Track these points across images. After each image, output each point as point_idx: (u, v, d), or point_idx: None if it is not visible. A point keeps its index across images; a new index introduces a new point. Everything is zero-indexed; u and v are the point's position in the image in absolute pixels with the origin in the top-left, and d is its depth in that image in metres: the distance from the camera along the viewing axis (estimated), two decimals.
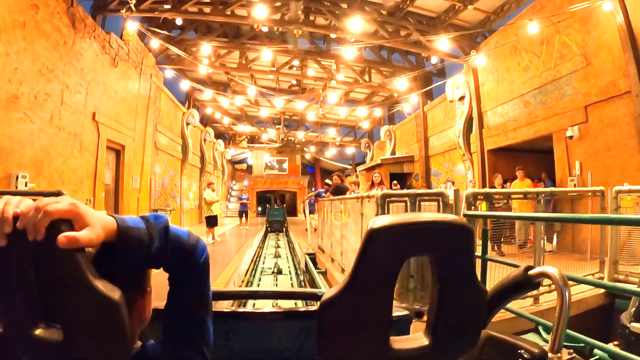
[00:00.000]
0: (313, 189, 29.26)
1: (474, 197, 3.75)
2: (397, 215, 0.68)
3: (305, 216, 14.67)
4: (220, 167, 22.45)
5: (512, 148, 10.66)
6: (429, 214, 0.80)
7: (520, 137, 9.85)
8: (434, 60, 12.85)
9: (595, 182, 7.46)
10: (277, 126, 24.01)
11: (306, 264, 8.78)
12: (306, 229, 14.91)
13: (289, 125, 25.71)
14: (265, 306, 1.61)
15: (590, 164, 7.89)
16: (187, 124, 15.36)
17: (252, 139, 29.66)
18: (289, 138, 25.88)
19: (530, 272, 0.79)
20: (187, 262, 0.76)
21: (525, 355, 0.85)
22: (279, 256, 12.11)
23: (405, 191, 4.10)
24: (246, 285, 8.29)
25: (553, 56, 8.83)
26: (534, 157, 10.70)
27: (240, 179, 32.14)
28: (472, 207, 3.74)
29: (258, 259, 11.83)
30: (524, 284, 0.80)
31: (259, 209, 30.40)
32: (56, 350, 0.62)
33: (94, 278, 0.60)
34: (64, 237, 0.57)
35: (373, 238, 0.64)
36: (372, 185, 8.13)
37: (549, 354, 0.81)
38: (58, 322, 0.63)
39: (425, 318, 0.74)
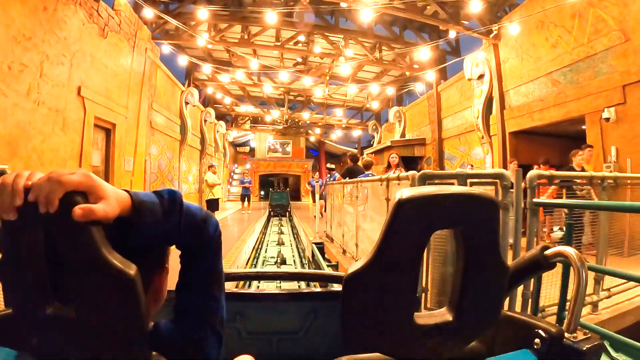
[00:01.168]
0: (317, 173, 28.57)
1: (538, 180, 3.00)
2: (424, 187, 0.65)
3: (314, 200, 13.99)
4: (221, 149, 21.62)
5: (535, 131, 9.86)
6: (456, 186, 0.83)
7: (547, 118, 9.01)
8: (452, 34, 11.83)
9: (635, 169, 6.76)
10: (281, 108, 22.99)
11: (313, 254, 8.07)
12: (315, 216, 14.24)
13: (293, 107, 24.74)
14: (268, 288, 1.65)
15: (628, 150, 7.11)
16: (186, 103, 14.49)
17: (255, 121, 28.81)
18: (293, 120, 24.98)
19: (547, 252, 0.78)
20: (201, 238, 0.74)
21: (543, 335, 0.77)
22: (282, 243, 11.42)
23: (453, 171, 3.50)
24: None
25: (586, 31, 7.98)
26: (559, 142, 9.91)
27: (243, 162, 31.39)
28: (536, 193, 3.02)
29: (260, 247, 11.21)
30: (540, 264, 0.78)
31: (262, 192, 30.00)
32: (68, 329, 0.60)
33: (108, 253, 0.58)
34: (79, 209, 0.55)
35: (401, 210, 0.62)
36: (389, 167, 7.33)
37: (565, 334, 0.76)
38: (71, 300, 0.59)
39: None
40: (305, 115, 22.72)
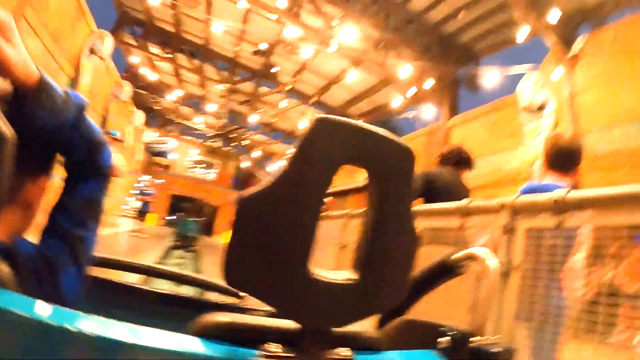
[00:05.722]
0: None
1: None
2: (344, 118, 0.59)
3: None
4: (129, 143, 16.04)
5: None
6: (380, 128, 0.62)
7: None
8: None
9: None
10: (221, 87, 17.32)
11: None
12: None
13: (233, 118, 20.45)
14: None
15: None
16: (91, 51, 9.59)
17: (184, 129, 24.09)
18: (227, 134, 20.68)
19: (456, 255, 0.78)
20: (92, 158, 0.69)
21: (448, 335, 0.70)
22: None
23: None
24: None
25: None
26: None
27: (157, 177, 25.77)
28: None
29: None
30: (448, 269, 0.78)
31: (174, 217, 24.84)
32: None
33: None
34: None
35: (316, 129, 0.55)
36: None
37: (473, 337, 0.70)
38: None
39: None
40: (254, 118, 17.88)
